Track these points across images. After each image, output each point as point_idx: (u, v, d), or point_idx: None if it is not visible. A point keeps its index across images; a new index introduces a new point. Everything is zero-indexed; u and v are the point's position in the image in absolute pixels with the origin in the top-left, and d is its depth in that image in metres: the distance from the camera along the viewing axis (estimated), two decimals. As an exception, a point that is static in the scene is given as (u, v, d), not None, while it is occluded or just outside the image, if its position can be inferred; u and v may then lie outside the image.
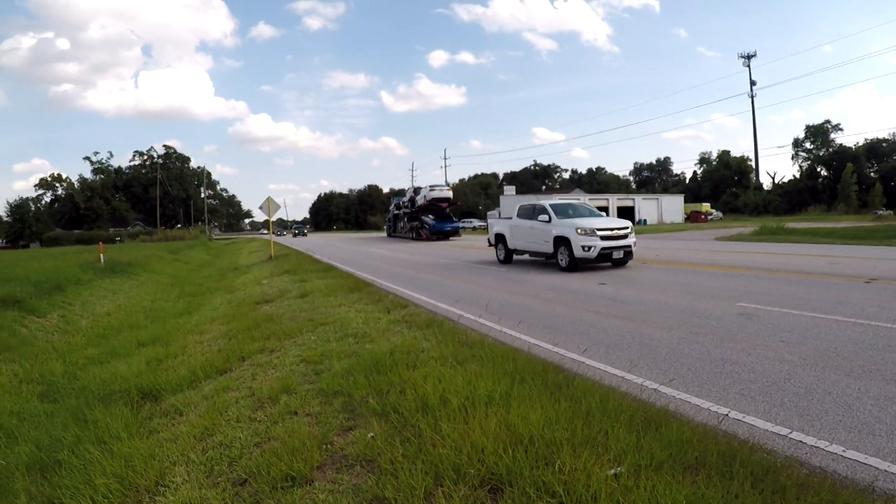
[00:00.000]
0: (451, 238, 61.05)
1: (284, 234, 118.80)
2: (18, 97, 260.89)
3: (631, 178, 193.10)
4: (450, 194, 67.14)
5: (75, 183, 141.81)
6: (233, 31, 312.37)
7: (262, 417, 7.14)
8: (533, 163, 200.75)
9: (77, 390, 10.49)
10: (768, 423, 5.97)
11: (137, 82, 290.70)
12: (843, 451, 5.28)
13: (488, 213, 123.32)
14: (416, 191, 68.36)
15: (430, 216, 62.68)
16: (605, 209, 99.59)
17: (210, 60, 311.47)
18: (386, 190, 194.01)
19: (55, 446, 7.65)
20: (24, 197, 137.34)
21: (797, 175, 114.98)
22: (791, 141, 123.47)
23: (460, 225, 70.60)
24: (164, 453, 6.61)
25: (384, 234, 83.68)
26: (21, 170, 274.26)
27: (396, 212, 74.28)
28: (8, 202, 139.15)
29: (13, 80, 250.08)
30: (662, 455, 4.81)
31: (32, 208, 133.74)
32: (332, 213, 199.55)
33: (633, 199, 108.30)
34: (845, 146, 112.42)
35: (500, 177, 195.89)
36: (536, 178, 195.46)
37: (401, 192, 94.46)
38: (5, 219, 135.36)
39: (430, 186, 66.02)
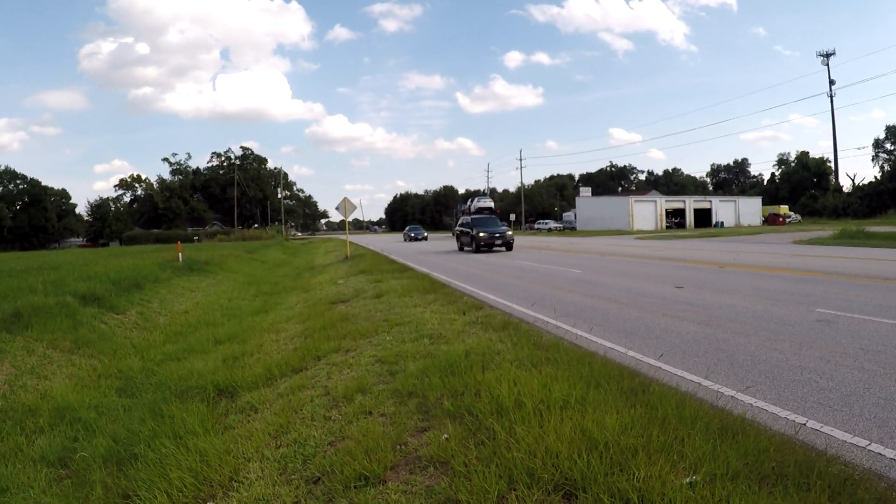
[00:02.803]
0: None
1: (422, 238, 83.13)
2: (99, 100, 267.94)
3: (708, 180, 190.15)
4: (491, 204, 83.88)
5: (154, 183, 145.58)
6: (310, 35, 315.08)
7: (336, 416, 7.20)
8: (609, 164, 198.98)
9: (154, 386, 10.73)
10: (846, 434, 5.84)
11: (215, 85, 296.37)
12: (925, 465, 5.14)
13: (563, 214, 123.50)
14: (472, 200, 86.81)
15: None
16: (681, 211, 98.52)
17: (287, 63, 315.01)
18: (462, 191, 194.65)
19: (132, 440, 7.84)
20: (105, 197, 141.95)
21: (878, 177, 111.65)
22: (871, 142, 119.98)
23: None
24: (239, 449, 6.71)
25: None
26: (101, 171, 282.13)
27: (460, 216, 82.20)
28: (89, 202, 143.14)
29: (94, 84, 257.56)
30: (739, 464, 4.72)
31: (112, 208, 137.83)
32: (407, 213, 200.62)
33: (710, 201, 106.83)
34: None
35: (576, 178, 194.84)
36: (612, 180, 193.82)
37: (473, 194, 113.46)
38: (86, 218, 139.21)
39: (478, 198, 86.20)
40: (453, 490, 4.79)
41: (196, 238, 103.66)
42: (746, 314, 12.41)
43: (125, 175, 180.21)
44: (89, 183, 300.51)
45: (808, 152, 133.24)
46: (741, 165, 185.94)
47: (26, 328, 13.02)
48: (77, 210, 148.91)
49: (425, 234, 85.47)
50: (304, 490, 5.42)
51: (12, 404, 9.76)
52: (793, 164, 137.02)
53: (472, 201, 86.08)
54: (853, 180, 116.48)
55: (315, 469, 5.75)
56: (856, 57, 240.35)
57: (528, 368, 7.71)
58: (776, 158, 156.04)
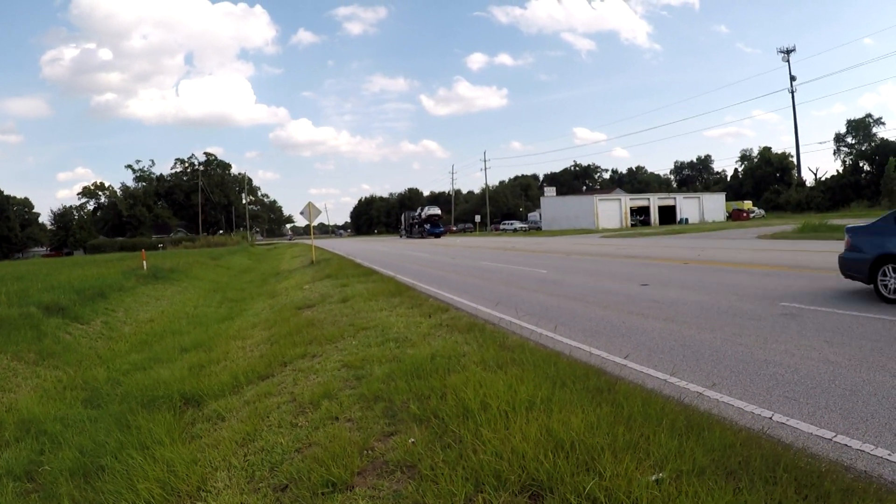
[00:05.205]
0: (440, 237, 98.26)
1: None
2: (61, 107, 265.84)
3: (672, 177, 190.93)
4: (438, 211, 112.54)
5: (118, 191, 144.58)
6: (274, 39, 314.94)
7: (303, 423, 7.17)
8: (573, 163, 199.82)
9: (120, 396, 10.65)
10: (812, 427, 5.90)
11: (179, 90, 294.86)
12: (889, 454, 5.19)
13: (529, 214, 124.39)
14: (422, 209, 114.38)
15: (428, 224, 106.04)
16: (645, 209, 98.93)
17: (251, 68, 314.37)
18: (427, 193, 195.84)
19: (99, 451, 7.79)
20: (68, 205, 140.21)
21: (840, 171, 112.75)
22: (832, 136, 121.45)
23: (443, 230, 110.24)
24: (206, 458, 6.68)
25: (401, 236, 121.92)
26: (65, 179, 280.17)
27: (411, 221, 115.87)
28: (52, 211, 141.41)
29: (57, 91, 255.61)
30: (705, 460, 4.76)
31: (76, 216, 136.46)
32: (372, 216, 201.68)
33: (675, 199, 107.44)
34: (888, 140, 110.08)
35: (541, 178, 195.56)
36: (577, 179, 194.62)
37: (435, 199, 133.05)
38: (50, 227, 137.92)
39: (428, 207, 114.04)
40: (421, 494, 4.79)
41: (161, 245, 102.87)
42: (711, 310, 12.50)
43: (88, 183, 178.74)
44: (52, 191, 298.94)
45: (770, 148, 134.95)
46: (704, 162, 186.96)
47: (-10, 340, 12.90)
48: (40, 219, 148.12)
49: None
50: (272, 498, 5.40)
51: (-24, 419, 9.66)
52: (756, 160, 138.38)
53: (422, 209, 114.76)
54: (816, 174, 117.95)
55: (282, 476, 5.72)
56: (816, 53, 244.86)
57: (493, 370, 7.73)
58: (739, 154, 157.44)
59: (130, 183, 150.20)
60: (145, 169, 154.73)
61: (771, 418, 6.17)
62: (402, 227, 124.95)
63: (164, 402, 9.49)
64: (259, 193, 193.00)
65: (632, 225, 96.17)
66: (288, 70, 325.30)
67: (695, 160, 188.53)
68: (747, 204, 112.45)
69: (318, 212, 38.11)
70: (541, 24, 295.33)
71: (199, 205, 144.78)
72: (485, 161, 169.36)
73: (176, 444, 7.43)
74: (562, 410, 5.88)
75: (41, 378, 12.21)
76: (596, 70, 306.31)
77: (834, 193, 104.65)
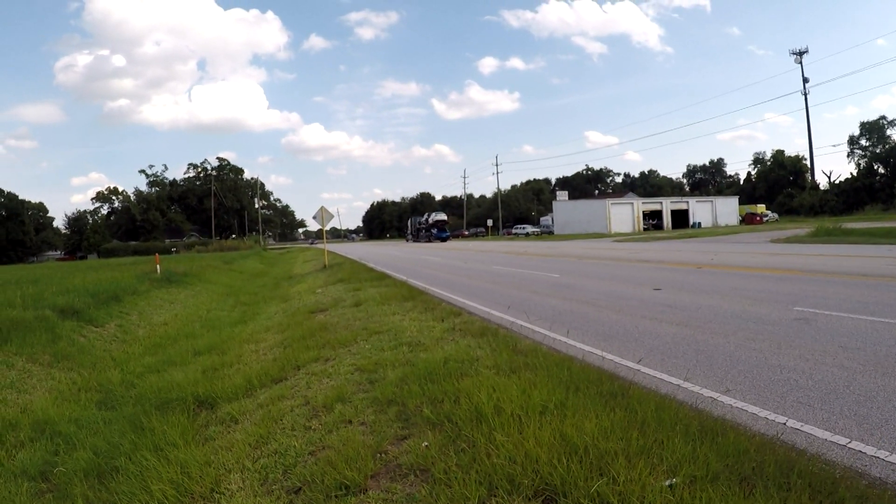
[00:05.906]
0: (446, 241, 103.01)
1: None
2: (75, 113, 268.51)
3: (684, 181, 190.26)
4: (444, 217, 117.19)
5: (131, 195, 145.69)
6: (286, 44, 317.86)
7: (316, 426, 7.17)
8: (585, 167, 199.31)
9: (134, 398, 10.69)
10: (827, 433, 5.86)
11: (191, 96, 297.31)
12: (905, 461, 5.16)
13: (541, 218, 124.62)
14: (429, 214, 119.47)
15: (434, 229, 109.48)
16: (658, 213, 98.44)
17: (263, 73, 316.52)
18: (439, 197, 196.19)
19: (113, 453, 7.82)
20: (82, 210, 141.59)
21: (854, 173, 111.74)
22: (846, 139, 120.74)
23: (448, 234, 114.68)
24: (220, 461, 6.71)
25: (408, 240, 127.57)
26: (78, 183, 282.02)
27: (418, 226, 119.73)
28: (66, 215, 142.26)
29: (70, 97, 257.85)
30: (719, 466, 4.74)
31: (90, 221, 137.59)
32: (384, 221, 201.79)
33: (687, 202, 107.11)
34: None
35: (553, 182, 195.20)
36: (589, 183, 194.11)
37: (446, 203, 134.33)
38: (64, 231, 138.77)
39: (435, 213, 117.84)
40: (434, 497, 4.79)
41: (174, 249, 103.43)
42: (725, 314, 12.44)
43: (102, 188, 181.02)
44: (67, 196, 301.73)
45: (783, 151, 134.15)
46: (717, 165, 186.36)
47: (5, 342, 12.98)
48: (55, 223, 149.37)
49: None
50: (286, 500, 5.42)
51: (-8, 419, 9.71)
52: (769, 163, 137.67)
53: (428, 215, 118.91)
54: (829, 177, 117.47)
55: (296, 479, 5.74)
56: (829, 54, 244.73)
57: (506, 374, 7.72)
58: (752, 158, 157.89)
59: (144, 188, 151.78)
60: (158, 174, 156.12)
61: (785, 424, 6.14)
62: (409, 231, 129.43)
63: (177, 404, 9.52)
64: (271, 198, 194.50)
65: (644, 229, 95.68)
66: (300, 75, 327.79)
67: (707, 163, 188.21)
68: (760, 208, 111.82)
69: (331, 216, 38.15)
70: (552, 27, 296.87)
71: (211, 209, 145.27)
72: (497, 165, 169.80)
73: (190, 446, 7.45)
74: (575, 415, 5.88)
75: (56, 380, 12.24)
76: (607, 73, 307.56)
77: (848, 197, 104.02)
